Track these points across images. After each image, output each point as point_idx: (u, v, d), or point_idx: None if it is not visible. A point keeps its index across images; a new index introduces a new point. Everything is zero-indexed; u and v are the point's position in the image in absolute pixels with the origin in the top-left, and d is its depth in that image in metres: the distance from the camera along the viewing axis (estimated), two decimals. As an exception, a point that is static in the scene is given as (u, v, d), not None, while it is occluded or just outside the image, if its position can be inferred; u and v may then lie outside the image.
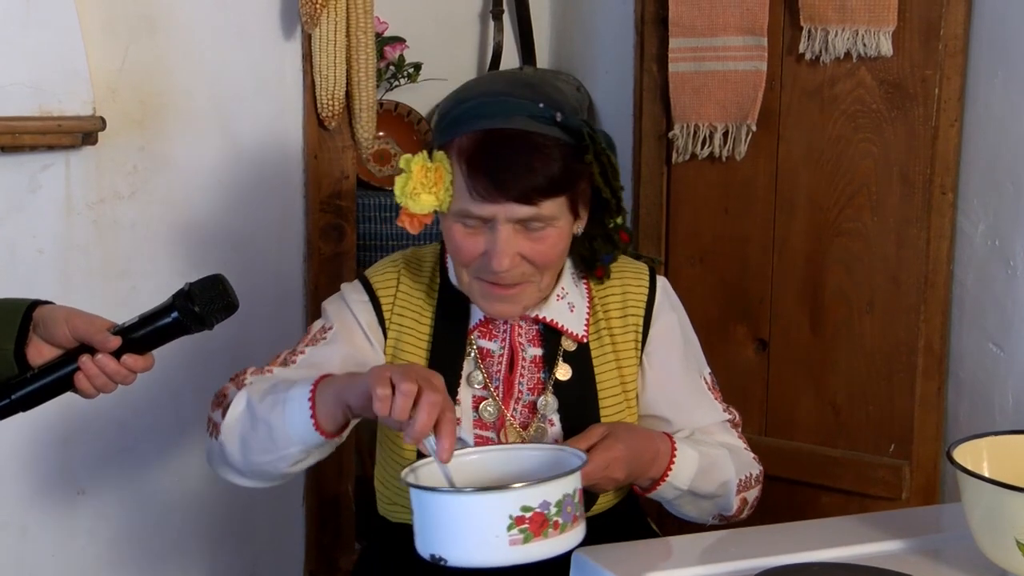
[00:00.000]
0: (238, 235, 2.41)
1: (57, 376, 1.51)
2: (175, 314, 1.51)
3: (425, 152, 1.64)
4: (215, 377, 2.31)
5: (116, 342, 1.50)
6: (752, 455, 1.81)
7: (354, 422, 1.59)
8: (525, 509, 1.33)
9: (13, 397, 1.52)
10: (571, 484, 1.37)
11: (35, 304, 1.54)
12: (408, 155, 1.64)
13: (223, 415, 1.62)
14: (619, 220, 1.71)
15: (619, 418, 1.73)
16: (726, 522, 1.78)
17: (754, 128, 2.30)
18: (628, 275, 1.79)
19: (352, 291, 1.77)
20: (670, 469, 1.66)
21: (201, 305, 1.51)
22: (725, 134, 2.33)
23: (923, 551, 1.49)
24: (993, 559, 1.37)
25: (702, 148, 2.34)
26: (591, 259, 1.74)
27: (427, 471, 1.46)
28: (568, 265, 1.76)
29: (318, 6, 2.29)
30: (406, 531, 1.73)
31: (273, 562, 2.53)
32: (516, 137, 1.58)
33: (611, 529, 1.66)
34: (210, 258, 2.38)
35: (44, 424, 2.26)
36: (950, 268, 2.15)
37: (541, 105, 1.60)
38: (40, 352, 1.52)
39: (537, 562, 1.36)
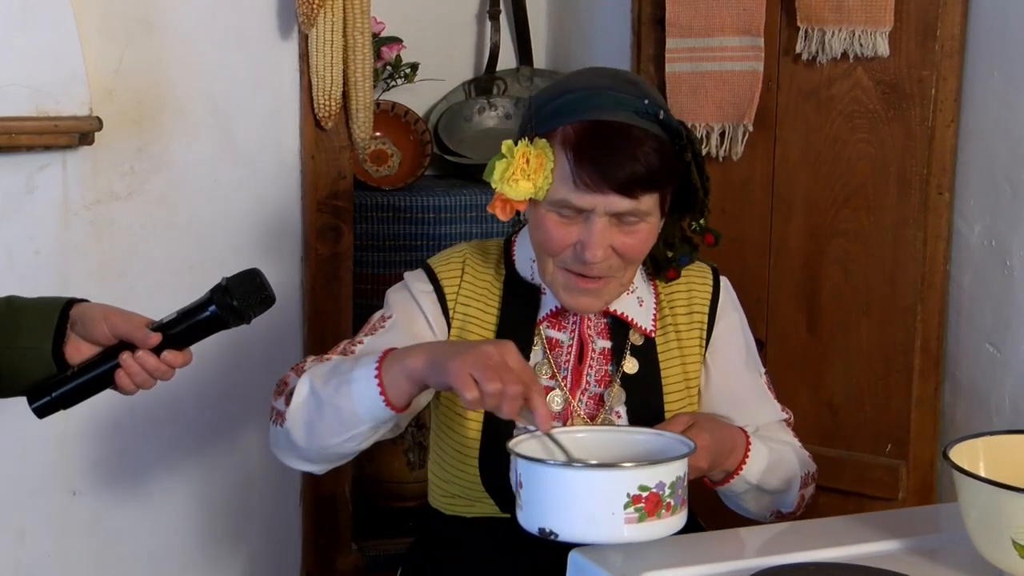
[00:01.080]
0: (235, 236, 2.41)
1: (98, 373, 1.52)
2: (213, 308, 1.51)
3: (527, 138, 1.64)
4: (212, 378, 2.32)
5: (156, 338, 1.50)
6: (807, 453, 1.83)
7: (424, 394, 1.60)
8: (643, 488, 1.34)
9: (54, 395, 1.52)
10: (683, 467, 1.40)
11: (71, 302, 1.54)
12: (509, 141, 1.64)
13: (287, 403, 1.61)
14: (703, 221, 1.73)
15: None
16: (781, 520, 1.79)
17: (751, 128, 2.30)
18: (693, 274, 1.81)
19: (416, 280, 1.77)
20: (744, 462, 1.68)
21: (239, 299, 1.52)
22: (722, 134, 2.33)
23: (920, 551, 1.49)
24: (989, 559, 1.37)
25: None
26: (665, 260, 1.76)
27: (528, 445, 1.46)
28: None
29: (315, 6, 2.29)
30: (460, 524, 1.75)
31: (270, 563, 2.53)
32: (623, 130, 1.60)
33: None
34: (207, 259, 2.38)
35: (38, 425, 2.24)
36: (947, 268, 2.15)
37: (646, 101, 1.63)
38: (79, 350, 1.53)
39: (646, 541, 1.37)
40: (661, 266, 1.77)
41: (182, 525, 2.45)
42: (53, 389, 1.52)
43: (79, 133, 2.22)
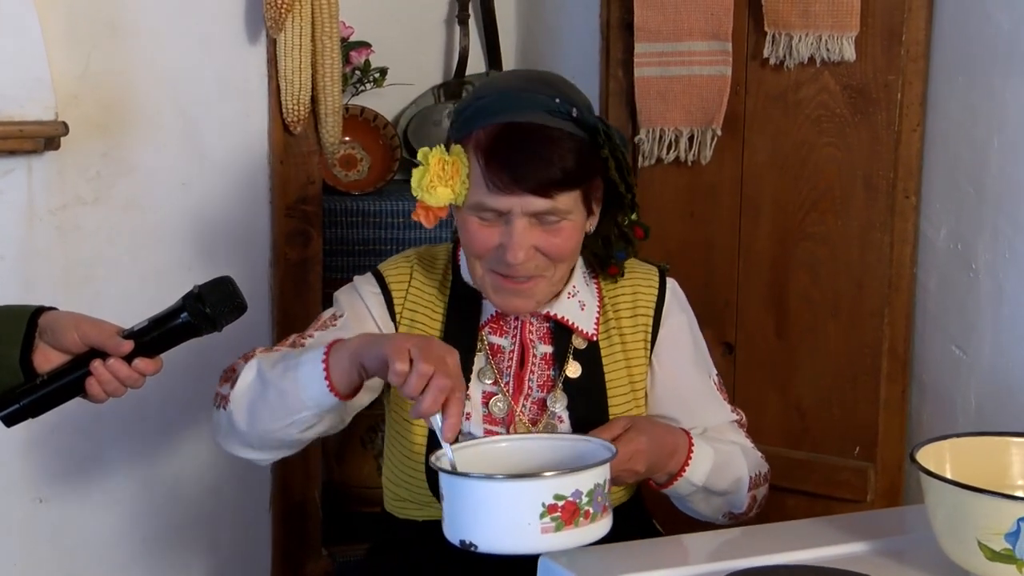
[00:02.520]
0: (203, 241, 2.40)
1: (68, 381, 1.52)
2: (185, 316, 1.51)
3: (442, 146, 1.65)
4: (179, 384, 2.30)
5: (128, 346, 1.50)
6: (760, 454, 1.83)
7: (367, 386, 1.60)
8: (558, 497, 1.34)
9: (23, 403, 1.52)
10: (602, 474, 1.39)
11: (40, 310, 1.53)
12: (426, 148, 1.65)
13: (232, 387, 1.62)
14: (633, 216, 1.74)
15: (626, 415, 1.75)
16: (735, 521, 1.79)
17: (719, 133, 2.30)
18: (638, 275, 1.81)
19: (365, 283, 1.78)
20: (687, 464, 1.68)
21: (211, 307, 1.52)
22: (690, 138, 2.33)
23: (887, 553, 1.50)
24: (956, 560, 1.38)
25: (668, 152, 2.35)
26: (605, 257, 1.76)
27: (457, 457, 1.46)
28: (580, 264, 1.78)
29: (283, 11, 2.28)
30: (413, 528, 1.75)
31: (239, 568, 2.51)
32: (533, 130, 1.61)
33: (616, 528, 1.67)
34: (175, 264, 2.36)
35: (2, 433, 2.23)
36: (913, 272, 2.16)
37: (558, 100, 1.63)
38: (47, 358, 1.52)
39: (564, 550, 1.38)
40: (603, 263, 1.77)
41: (150, 532, 2.43)
42: (22, 397, 1.51)
43: (44, 138, 2.20)
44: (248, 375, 1.62)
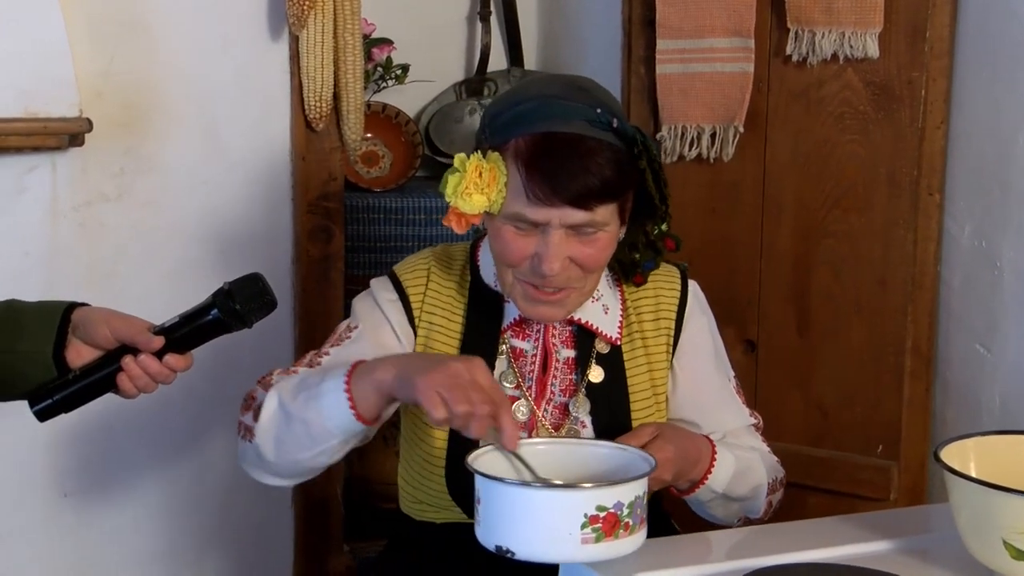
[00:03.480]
0: (225, 237, 2.41)
1: (100, 376, 1.52)
2: (215, 312, 1.52)
3: (479, 152, 1.62)
4: (202, 380, 2.31)
5: (159, 342, 1.51)
6: (775, 458, 1.82)
7: (393, 406, 1.59)
8: (600, 508, 1.33)
9: (56, 398, 1.52)
10: (642, 487, 1.38)
11: (72, 306, 1.54)
12: (462, 154, 1.62)
13: (255, 418, 1.60)
14: (664, 227, 1.71)
15: (648, 421, 1.73)
16: (749, 525, 1.78)
17: (741, 130, 2.30)
18: (661, 279, 1.78)
19: (382, 289, 1.75)
20: (710, 472, 1.67)
21: (241, 303, 1.52)
22: (712, 136, 2.33)
23: (911, 551, 1.50)
24: (980, 559, 1.37)
25: (690, 150, 2.35)
26: (631, 265, 1.74)
27: (489, 459, 1.45)
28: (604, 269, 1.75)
29: (305, 8, 2.29)
30: (430, 530, 1.74)
31: (261, 565, 2.52)
32: (575, 141, 1.58)
33: None
34: (197, 261, 2.38)
35: (30, 427, 2.24)
36: (937, 269, 2.15)
37: (599, 111, 1.60)
38: (80, 354, 1.53)
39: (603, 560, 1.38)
40: (628, 271, 1.75)
41: (172, 527, 2.44)
42: (55, 392, 1.52)
43: (68, 135, 2.21)
44: (270, 406, 1.59)
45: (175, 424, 2.41)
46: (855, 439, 2.22)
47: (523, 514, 1.35)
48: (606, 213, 1.60)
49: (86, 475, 2.37)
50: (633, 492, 1.36)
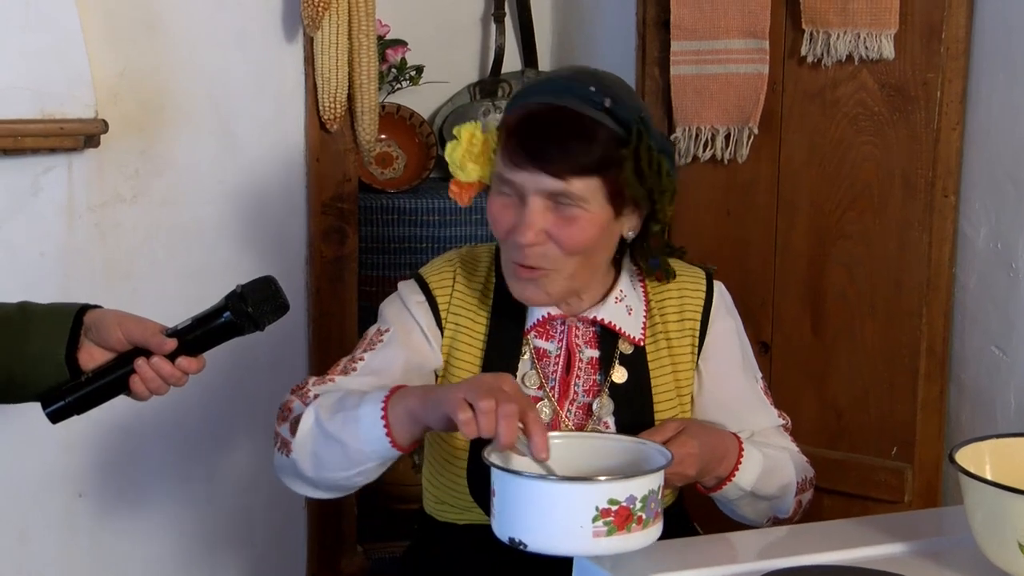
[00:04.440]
0: (240, 238, 2.41)
1: (112, 379, 1.53)
2: (228, 315, 1.52)
3: (477, 122, 1.68)
4: (216, 381, 2.32)
5: (172, 345, 1.51)
6: (805, 458, 1.81)
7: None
8: (612, 502, 1.33)
9: (69, 400, 1.53)
10: (656, 481, 1.38)
11: (85, 308, 1.55)
12: (459, 125, 1.68)
13: (292, 432, 1.60)
14: (655, 228, 1.70)
15: None
16: (778, 524, 1.78)
17: (756, 131, 2.30)
18: (685, 280, 1.78)
19: (410, 292, 1.76)
20: (737, 469, 1.67)
21: (254, 306, 1.52)
22: (727, 137, 2.33)
23: (925, 554, 1.49)
24: (995, 562, 1.37)
25: (704, 151, 2.34)
26: (645, 262, 1.74)
27: (506, 451, 1.45)
28: (626, 267, 1.75)
29: (320, 9, 2.29)
30: (452, 531, 1.75)
31: (275, 565, 2.53)
32: (558, 112, 1.60)
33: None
34: (211, 261, 2.38)
35: (45, 428, 2.25)
36: (952, 271, 2.15)
37: (593, 89, 1.62)
38: (92, 356, 1.53)
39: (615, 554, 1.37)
40: (645, 269, 1.75)
41: (187, 527, 2.45)
42: (68, 394, 1.52)
43: (84, 136, 2.22)
44: (307, 422, 1.59)
45: (190, 425, 2.41)
46: (869, 441, 2.22)
47: (535, 506, 1.35)
48: (584, 188, 1.59)
49: (101, 476, 2.38)
50: (647, 486, 1.36)
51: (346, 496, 2.46)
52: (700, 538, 1.66)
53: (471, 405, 1.41)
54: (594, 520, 1.33)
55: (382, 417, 1.52)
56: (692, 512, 1.87)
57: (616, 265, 1.75)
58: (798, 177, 2.28)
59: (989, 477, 1.39)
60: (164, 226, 2.36)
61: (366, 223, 2.59)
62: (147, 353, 1.51)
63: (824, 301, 2.26)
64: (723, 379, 1.78)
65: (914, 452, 2.17)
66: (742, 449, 1.68)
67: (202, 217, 2.38)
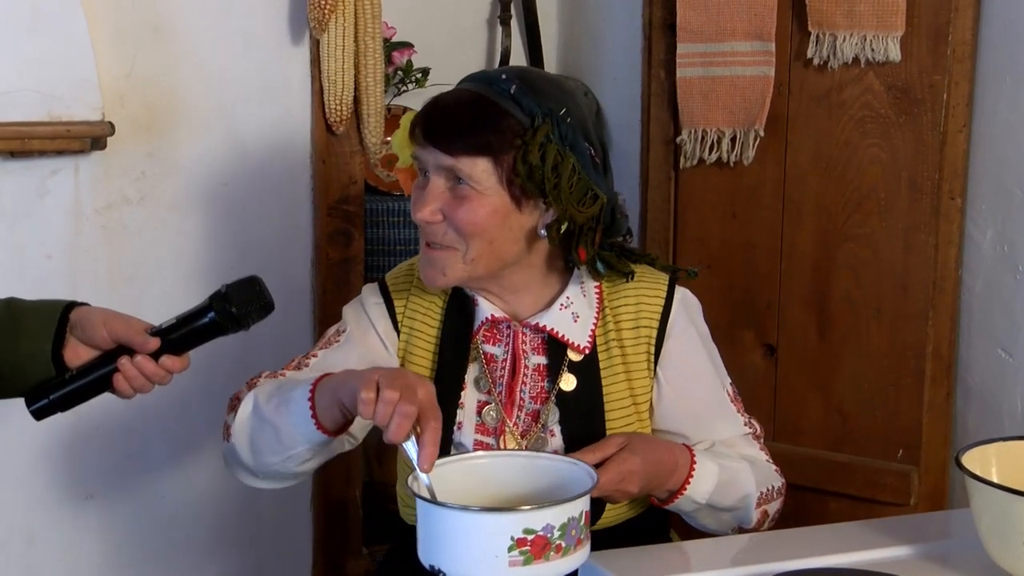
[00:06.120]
0: (246, 240, 2.42)
1: (96, 377, 1.53)
2: (212, 315, 1.52)
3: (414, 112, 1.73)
4: (222, 381, 2.32)
5: (155, 344, 1.51)
6: (774, 467, 1.78)
7: (364, 422, 1.59)
8: (528, 532, 1.32)
9: (52, 397, 1.53)
10: (578, 508, 1.36)
11: (71, 305, 1.55)
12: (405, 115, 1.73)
13: (235, 418, 1.63)
14: (564, 226, 1.65)
15: (628, 431, 1.71)
16: (742, 532, 1.76)
17: (762, 133, 2.30)
18: (644, 285, 1.75)
19: (370, 294, 1.79)
20: (688, 482, 1.65)
21: (238, 306, 1.52)
22: (733, 139, 2.33)
23: (931, 557, 1.49)
24: (1002, 565, 1.37)
25: (710, 153, 2.35)
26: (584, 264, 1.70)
27: (435, 473, 1.44)
28: (577, 274, 1.73)
29: (326, 11, 2.30)
30: None
31: (280, 567, 2.53)
32: (463, 95, 1.65)
33: (632, 538, 1.65)
34: (217, 263, 2.39)
35: (52, 429, 2.26)
36: (958, 274, 2.15)
37: (504, 77, 1.65)
38: (77, 353, 1.53)
39: None
40: (592, 271, 1.71)
41: (193, 529, 2.45)
42: (51, 392, 1.53)
43: (91, 138, 2.23)
44: (246, 408, 1.62)
45: (195, 426, 2.42)
46: (875, 444, 2.22)
47: (452, 535, 1.34)
48: (474, 168, 1.60)
49: (108, 477, 2.38)
50: (565, 514, 1.34)
51: (351, 498, 2.51)
52: (705, 541, 1.66)
53: (380, 390, 1.41)
54: (509, 550, 1.31)
55: (309, 398, 1.53)
56: (672, 519, 1.85)
57: (568, 271, 1.73)
58: (804, 179, 2.28)
59: (996, 480, 1.39)
60: (170, 228, 2.36)
61: (372, 225, 2.60)
62: (131, 351, 1.51)
63: (830, 304, 2.26)
64: (683, 388, 1.74)
65: (920, 455, 2.17)
66: (694, 462, 1.65)
67: (208, 219, 2.39)
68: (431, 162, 1.63)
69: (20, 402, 1.57)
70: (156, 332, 1.52)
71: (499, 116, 1.61)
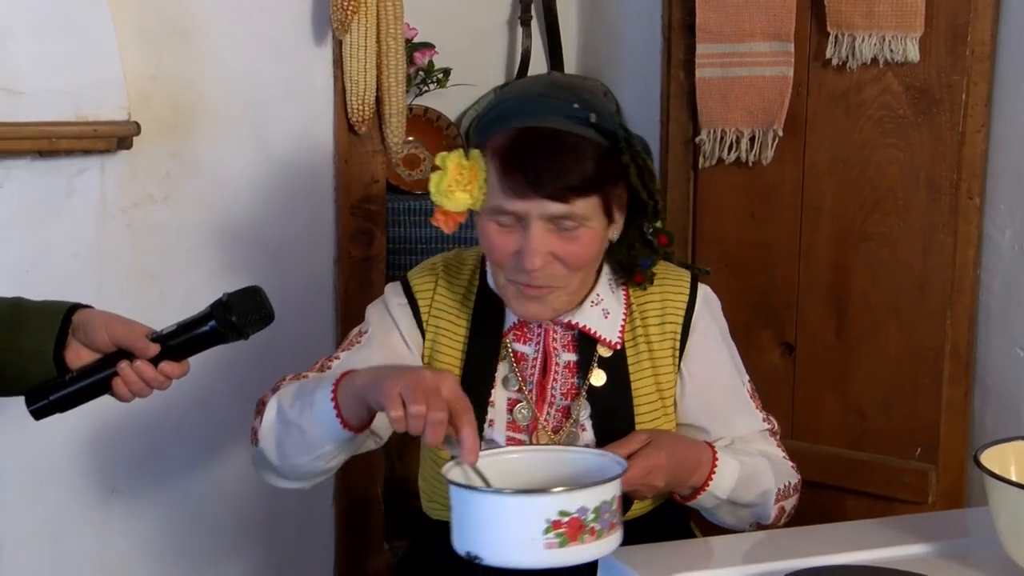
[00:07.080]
0: (269, 239, 2.44)
1: (95, 380, 1.55)
2: (212, 323, 1.54)
3: (460, 150, 1.65)
4: (246, 379, 2.34)
5: (155, 349, 1.53)
6: (791, 464, 1.80)
7: (387, 422, 1.61)
8: (563, 514, 1.34)
9: (51, 398, 1.55)
10: (610, 491, 1.38)
11: (74, 308, 1.57)
12: (444, 153, 1.64)
13: (261, 422, 1.65)
14: (658, 224, 1.71)
15: (655, 425, 1.73)
16: (761, 529, 1.78)
17: (780, 133, 2.30)
18: (669, 282, 1.77)
19: (393, 294, 1.79)
20: (711, 479, 1.67)
21: (238, 316, 1.54)
22: (752, 139, 2.33)
23: (949, 555, 1.50)
24: (1020, 563, 1.37)
25: (728, 153, 2.35)
26: (630, 265, 1.73)
27: (467, 467, 1.46)
28: (606, 271, 1.75)
29: (349, 12, 2.31)
30: (446, 529, 1.76)
31: (302, 563, 2.55)
32: (550, 135, 1.59)
33: (652, 532, 1.66)
34: (241, 262, 2.41)
35: (78, 425, 2.28)
36: (977, 273, 2.15)
37: (576, 105, 1.61)
38: (78, 355, 1.55)
39: (572, 566, 1.37)
40: (628, 271, 1.74)
41: (216, 524, 2.47)
42: (51, 392, 1.55)
43: (117, 138, 2.25)
44: (271, 412, 1.64)
45: (219, 423, 2.44)
46: (893, 442, 2.22)
47: (487, 520, 1.36)
48: (586, 207, 1.60)
49: (133, 472, 2.40)
50: (599, 497, 1.36)
51: (373, 494, 2.52)
52: (723, 537, 1.67)
53: (404, 403, 1.43)
54: (545, 532, 1.33)
55: (332, 399, 1.54)
56: (691, 514, 1.87)
57: (596, 269, 1.74)
58: (822, 179, 2.28)
59: (1014, 479, 1.39)
60: (195, 227, 2.38)
61: (393, 224, 2.61)
62: (131, 356, 1.53)
63: (848, 303, 2.27)
64: (706, 384, 1.77)
65: (938, 454, 2.17)
66: (716, 458, 1.68)
67: (232, 218, 2.41)
68: (536, 213, 1.59)
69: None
70: (156, 338, 1.54)
71: (592, 150, 1.60)
